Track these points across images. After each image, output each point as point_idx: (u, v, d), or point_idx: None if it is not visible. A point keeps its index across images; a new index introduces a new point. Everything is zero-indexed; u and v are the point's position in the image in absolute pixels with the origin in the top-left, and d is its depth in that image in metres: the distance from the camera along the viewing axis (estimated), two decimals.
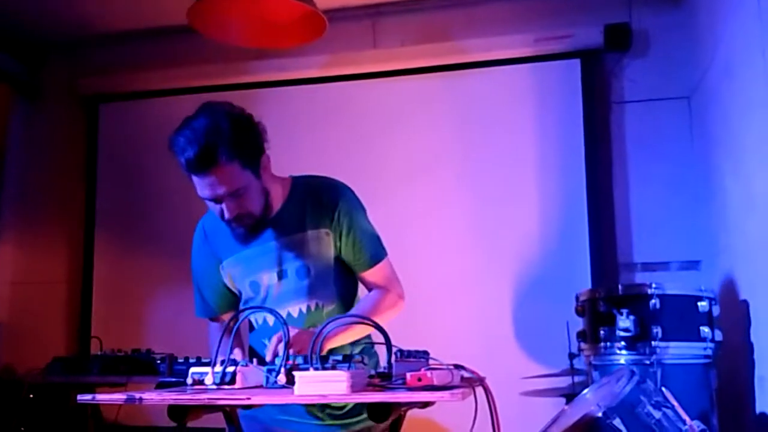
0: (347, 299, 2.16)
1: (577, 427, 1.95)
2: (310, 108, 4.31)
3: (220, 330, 2.13)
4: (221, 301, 2.20)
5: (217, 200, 1.96)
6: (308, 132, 4.26)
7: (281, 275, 2.08)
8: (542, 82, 4.12)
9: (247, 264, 2.11)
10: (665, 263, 3.82)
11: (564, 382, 3.23)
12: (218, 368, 1.59)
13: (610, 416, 1.91)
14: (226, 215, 1.97)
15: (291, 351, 1.69)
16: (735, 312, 2.94)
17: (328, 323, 1.75)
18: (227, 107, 1.98)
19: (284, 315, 2.01)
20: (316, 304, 2.08)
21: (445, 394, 1.37)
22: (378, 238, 2.17)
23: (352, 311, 2.12)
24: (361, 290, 2.22)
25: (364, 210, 2.17)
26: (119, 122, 4.71)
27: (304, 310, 2.08)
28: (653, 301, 2.64)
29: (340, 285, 2.13)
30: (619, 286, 2.76)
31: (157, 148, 4.48)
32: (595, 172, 3.95)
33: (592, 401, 2.13)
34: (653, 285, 2.67)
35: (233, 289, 2.18)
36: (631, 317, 2.63)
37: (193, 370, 1.61)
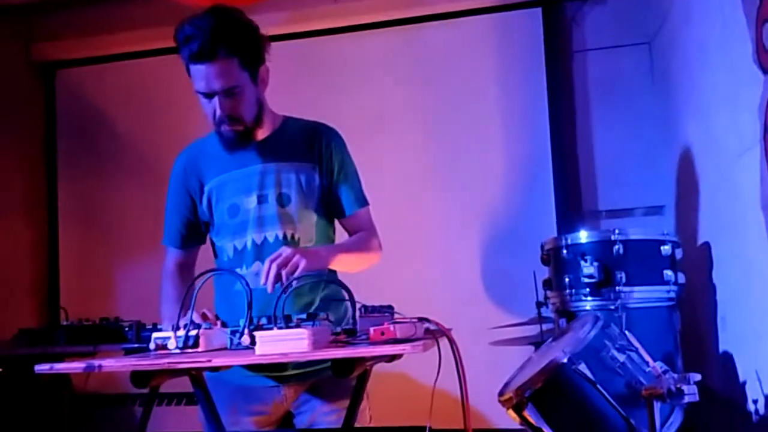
0: (324, 241, 2.18)
1: (544, 374, 1.97)
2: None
3: (172, 284, 2.21)
4: (187, 232, 2.24)
5: (210, 95, 2.01)
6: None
7: (262, 199, 2.11)
8: (505, 32, 4.09)
9: (229, 186, 2.14)
10: (629, 209, 3.86)
11: (533, 330, 3.27)
12: (181, 332, 1.59)
13: (575, 362, 1.93)
14: (218, 112, 2.02)
15: (289, 265, 1.82)
16: (697, 254, 2.99)
17: (292, 280, 1.77)
18: (236, 12, 2.05)
19: (261, 240, 2.10)
20: (292, 235, 2.11)
21: (407, 346, 1.38)
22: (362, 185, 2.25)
23: (342, 242, 2.19)
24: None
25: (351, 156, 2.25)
26: (77, 88, 4.61)
27: (280, 236, 2.10)
28: (616, 246, 2.66)
29: (320, 225, 2.17)
30: (583, 233, 2.78)
31: (117, 113, 4.49)
32: (558, 122, 3.96)
33: (557, 348, 2.16)
34: (616, 231, 2.69)
35: (207, 218, 2.20)
36: (595, 264, 2.65)
37: (155, 335, 1.60)
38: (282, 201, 2.11)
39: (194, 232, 2.24)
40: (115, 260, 4.40)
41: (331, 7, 4.25)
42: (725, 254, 2.77)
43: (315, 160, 2.16)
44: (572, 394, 1.93)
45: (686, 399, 1.83)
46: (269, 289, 1.83)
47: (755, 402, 2.40)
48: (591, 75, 4.01)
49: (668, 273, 2.71)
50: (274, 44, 4.26)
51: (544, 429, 1.95)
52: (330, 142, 2.18)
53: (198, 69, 1.98)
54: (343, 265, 2.11)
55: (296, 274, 1.83)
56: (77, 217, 4.53)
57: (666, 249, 2.72)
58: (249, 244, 2.11)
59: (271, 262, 1.84)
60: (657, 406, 1.85)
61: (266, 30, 4.57)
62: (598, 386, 1.90)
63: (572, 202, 3.93)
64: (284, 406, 2.15)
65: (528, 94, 4.00)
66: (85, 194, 4.53)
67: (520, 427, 2.03)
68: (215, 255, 2.24)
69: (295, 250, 1.89)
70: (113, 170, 4.46)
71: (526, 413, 1.96)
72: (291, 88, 4.16)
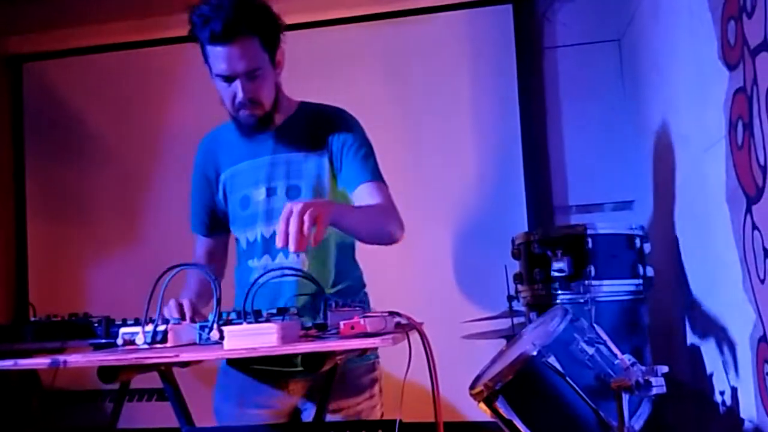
0: (337, 232, 2.08)
1: (514, 366, 1.98)
2: None
3: (196, 274, 2.15)
4: (210, 221, 2.23)
5: (231, 79, 1.95)
6: None
7: (271, 192, 2.08)
8: (476, 28, 4.11)
9: (241, 176, 2.12)
10: (599, 204, 3.91)
11: (504, 324, 3.29)
12: (149, 327, 1.57)
13: (545, 354, 1.95)
14: (240, 95, 1.96)
15: (308, 214, 1.61)
16: (666, 248, 3.02)
17: (263, 274, 1.76)
18: None
19: (269, 233, 2.05)
20: None
21: (376, 340, 1.38)
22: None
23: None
24: None
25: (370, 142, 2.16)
26: (45, 81, 4.55)
27: None
28: (586, 240, 2.68)
29: None
30: (553, 228, 2.80)
31: (86, 107, 4.44)
32: (529, 118, 3.99)
33: (527, 341, 2.17)
34: (586, 225, 2.72)
35: (224, 208, 2.18)
36: (565, 258, 2.67)
37: (123, 330, 1.58)
38: (291, 194, 2.08)
39: (217, 220, 2.22)
40: (84, 256, 4.35)
41: (301, 2, 4.22)
42: (693, 248, 2.80)
43: (325, 146, 2.10)
44: (542, 387, 1.94)
45: (654, 391, 1.85)
46: (292, 248, 1.60)
47: (722, 393, 2.43)
48: (562, 71, 4.04)
49: (637, 267, 2.74)
50: None
51: (514, 421, 1.96)
52: (341, 126, 2.13)
53: (219, 51, 1.92)
54: (355, 223, 1.98)
55: (323, 222, 1.65)
56: (46, 213, 4.47)
57: (635, 243, 2.75)
58: (258, 237, 2.09)
59: (287, 219, 1.62)
60: (626, 398, 1.87)
61: None
62: (568, 378, 1.91)
63: (543, 197, 3.96)
64: (292, 402, 2.12)
65: (499, 89, 4.02)
66: (54, 189, 4.47)
67: (491, 419, 2.04)
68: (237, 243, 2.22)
69: (307, 201, 1.70)
70: (83, 165, 4.41)
71: (497, 406, 1.97)
72: None
